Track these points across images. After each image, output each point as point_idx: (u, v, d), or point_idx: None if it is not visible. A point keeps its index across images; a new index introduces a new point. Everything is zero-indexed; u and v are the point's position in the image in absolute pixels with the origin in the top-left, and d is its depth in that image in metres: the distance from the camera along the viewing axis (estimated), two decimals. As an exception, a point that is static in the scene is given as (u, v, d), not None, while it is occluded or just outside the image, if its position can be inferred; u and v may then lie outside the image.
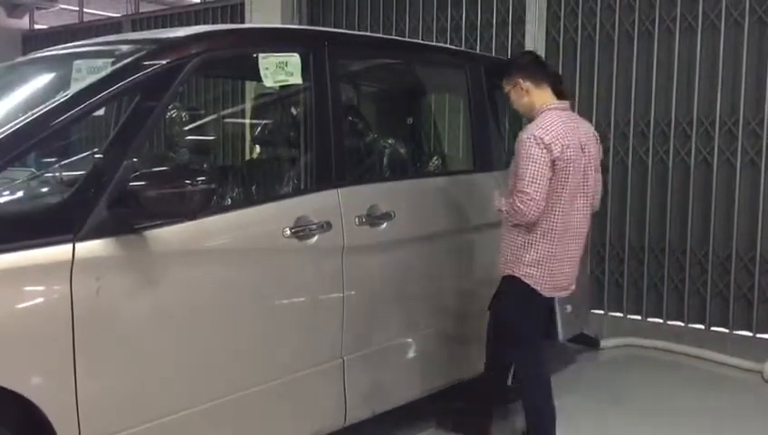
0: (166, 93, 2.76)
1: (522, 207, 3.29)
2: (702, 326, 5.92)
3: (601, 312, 6.30)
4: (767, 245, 5.66)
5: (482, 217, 4.05)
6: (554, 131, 3.35)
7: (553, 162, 3.32)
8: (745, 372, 4.96)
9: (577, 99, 6.25)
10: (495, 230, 4.11)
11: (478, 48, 6.85)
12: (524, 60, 3.68)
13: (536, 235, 3.40)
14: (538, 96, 3.51)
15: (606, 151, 6.22)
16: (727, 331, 5.82)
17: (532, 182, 3.28)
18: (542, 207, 3.32)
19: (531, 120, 3.52)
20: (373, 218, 3.42)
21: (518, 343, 3.57)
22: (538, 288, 3.44)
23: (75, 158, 2.97)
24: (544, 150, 3.30)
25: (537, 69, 3.59)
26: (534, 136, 3.33)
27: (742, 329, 5.78)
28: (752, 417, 4.30)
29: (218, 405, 2.85)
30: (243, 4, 8.20)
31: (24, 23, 11.63)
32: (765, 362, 4.87)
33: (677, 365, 5.17)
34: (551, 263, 3.42)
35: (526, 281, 3.43)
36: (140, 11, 10.35)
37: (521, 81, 3.52)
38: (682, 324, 5.98)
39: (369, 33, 6.66)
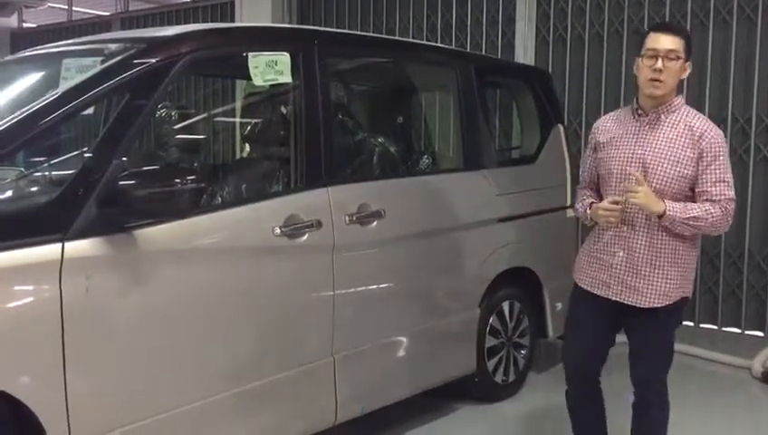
0: (155, 92, 2.76)
1: (732, 212, 2.85)
2: (691, 323, 5.94)
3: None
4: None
5: (472, 215, 4.06)
6: None
7: None
8: (735, 368, 4.99)
9: (567, 98, 6.27)
10: (485, 228, 4.13)
11: (468, 47, 6.87)
12: None
13: (696, 244, 3.03)
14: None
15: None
16: (716, 327, 5.84)
17: (732, 184, 2.88)
18: None
19: (656, 96, 2.89)
20: (363, 217, 3.42)
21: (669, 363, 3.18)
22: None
23: (64, 157, 2.96)
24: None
25: None
26: (721, 133, 2.92)
27: (731, 326, 5.80)
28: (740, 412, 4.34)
29: (208, 404, 2.85)
30: (233, 3, 8.19)
31: (12, 21, 11.59)
32: (753, 359, 4.90)
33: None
34: None
35: (688, 295, 3.03)
36: (130, 9, 10.33)
37: (689, 64, 2.98)
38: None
39: (359, 32, 6.66)
